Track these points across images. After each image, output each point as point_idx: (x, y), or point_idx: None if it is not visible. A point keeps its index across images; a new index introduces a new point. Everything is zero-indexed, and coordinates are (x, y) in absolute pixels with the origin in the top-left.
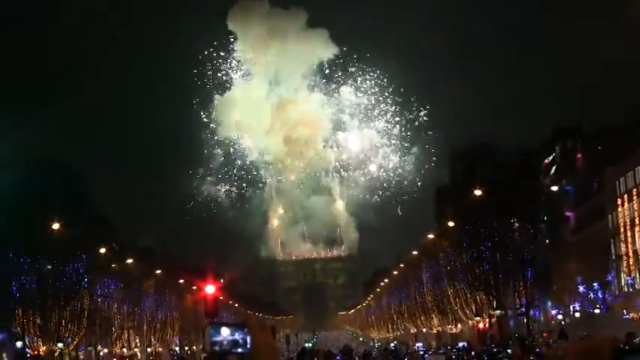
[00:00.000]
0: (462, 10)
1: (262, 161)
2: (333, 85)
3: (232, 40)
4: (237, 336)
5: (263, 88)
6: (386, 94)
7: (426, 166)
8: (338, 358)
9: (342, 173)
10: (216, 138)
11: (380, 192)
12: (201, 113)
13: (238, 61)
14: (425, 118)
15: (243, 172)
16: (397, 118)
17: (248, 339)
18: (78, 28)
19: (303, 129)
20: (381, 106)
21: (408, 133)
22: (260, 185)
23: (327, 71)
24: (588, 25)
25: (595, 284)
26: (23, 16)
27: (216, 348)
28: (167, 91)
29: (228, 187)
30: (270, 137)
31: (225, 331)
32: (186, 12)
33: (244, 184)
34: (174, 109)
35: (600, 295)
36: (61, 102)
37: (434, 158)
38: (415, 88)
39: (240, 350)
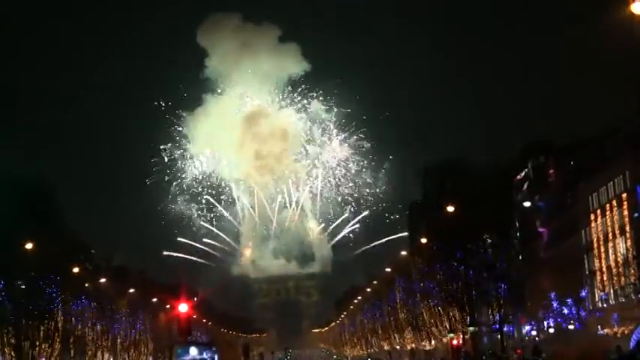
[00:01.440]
0: (433, 24)
1: (233, 177)
2: (304, 101)
3: (203, 55)
4: (205, 355)
5: (233, 103)
6: (357, 109)
7: (398, 182)
8: None
9: (314, 188)
10: (187, 155)
11: (352, 207)
12: (172, 129)
13: (207, 78)
14: (396, 134)
15: (213, 190)
16: (368, 134)
17: (215, 358)
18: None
19: (274, 144)
20: (352, 121)
21: (381, 148)
22: (230, 202)
23: (298, 86)
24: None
25: (569, 300)
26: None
27: None
28: (137, 108)
29: (198, 205)
30: (241, 153)
31: (193, 351)
32: (154, 27)
33: (215, 201)
34: (145, 125)
35: (574, 311)
36: (35, 120)
37: (406, 174)
38: (387, 104)
39: None
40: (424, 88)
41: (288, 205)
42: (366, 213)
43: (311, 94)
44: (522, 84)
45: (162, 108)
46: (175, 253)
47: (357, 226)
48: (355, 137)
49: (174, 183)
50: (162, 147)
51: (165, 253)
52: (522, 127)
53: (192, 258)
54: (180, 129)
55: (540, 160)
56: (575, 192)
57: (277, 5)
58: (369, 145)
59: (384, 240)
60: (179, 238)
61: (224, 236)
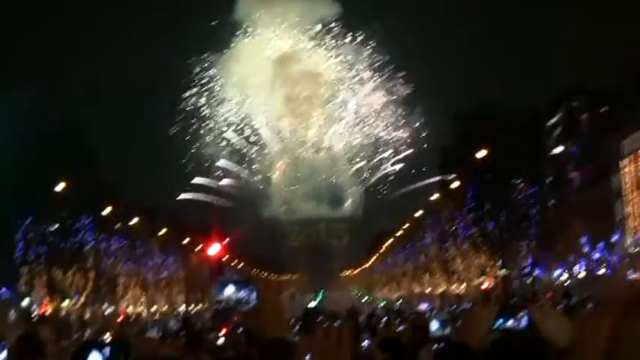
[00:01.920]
0: None
1: (264, 121)
2: (337, 44)
3: None
4: (243, 293)
5: (263, 45)
6: (390, 52)
7: (431, 127)
8: (339, 321)
9: (345, 131)
10: (216, 98)
11: (384, 151)
12: (201, 73)
13: (236, 20)
14: (429, 77)
15: (244, 133)
16: (402, 78)
17: (253, 296)
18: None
19: (305, 86)
20: (386, 66)
21: (415, 93)
22: (261, 144)
23: (330, 29)
24: None
25: (600, 245)
26: None
27: (222, 305)
28: (166, 48)
29: (229, 149)
30: (271, 96)
31: (230, 289)
32: None
33: (246, 144)
34: (173, 67)
35: (606, 255)
36: (66, 64)
37: (439, 118)
38: (419, 48)
39: (245, 308)
40: (460, 32)
41: (319, 147)
42: (399, 157)
43: (344, 37)
44: (559, 29)
45: (190, 50)
46: (199, 193)
47: (389, 169)
48: (389, 82)
49: (204, 127)
50: (189, 92)
51: (185, 196)
52: (556, 71)
53: (215, 200)
54: (209, 72)
55: (573, 105)
56: (607, 137)
57: None
58: (402, 89)
59: (416, 185)
60: (206, 180)
61: (255, 179)
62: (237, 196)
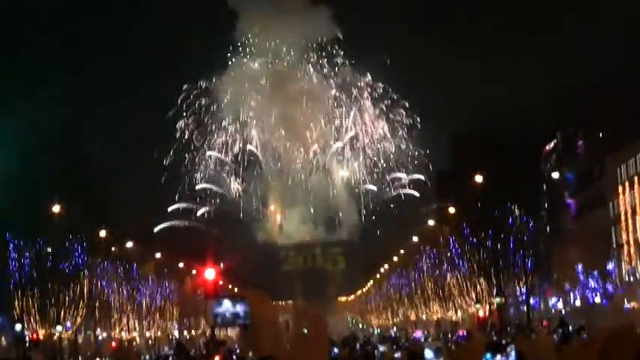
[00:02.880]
0: None
1: (260, 142)
2: (334, 66)
3: (231, 17)
4: (239, 308)
5: (261, 67)
6: (386, 75)
7: (427, 149)
8: (335, 350)
9: (342, 153)
10: (213, 118)
11: (380, 174)
12: (197, 93)
13: (234, 41)
14: (425, 101)
15: (240, 154)
16: (398, 100)
17: (249, 311)
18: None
19: (302, 108)
20: (381, 87)
21: (409, 115)
22: (258, 166)
23: (328, 51)
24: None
25: (595, 273)
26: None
27: (219, 320)
28: (163, 70)
29: (225, 171)
30: (268, 117)
31: (227, 303)
32: None
33: (242, 166)
34: (171, 89)
35: (600, 284)
36: (65, 83)
37: (435, 141)
38: (416, 71)
39: (240, 322)
40: (458, 55)
41: (315, 169)
42: (395, 181)
43: (341, 59)
44: (556, 56)
45: (187, 72)
46: (192, 218)
47: (386, 194)
48: (386, 106)
49: (199, 150)
50: (184, 114)
51: (178, 221)
52: (553, 98)
53: (218, 224)
54: (204, 92)
55: (570, 131)
56: (603, 164)
57: None
58: (400, 114)
59: (412, 211)
60: (203, 209)
61: (251, 201)
62: (231, 220)
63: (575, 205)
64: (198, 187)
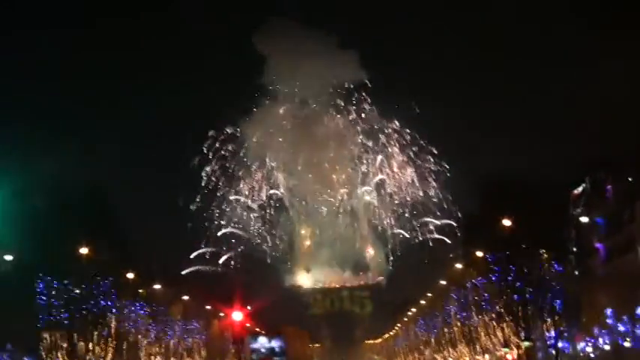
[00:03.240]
0: (495, 36)
1: (287, 185)
2: (361, 110)
3: (258, 60)
4: (274, 344)
5: (287, 110)
6: (414, 121)
7: (454, 194)
8: None
9: (369, 196)
10: (240, 162)
11: (408, 217)
12: (223, 139)
13: (261, 84)
14: (453, 147)
15: (267, 199)
16: (425, 146)
17: (284, 347)
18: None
19: (329, 151)
20: (408, 133)
21: (437, 161)
22: (284, 210)
23: (355, 95)
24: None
25: (625, 317)
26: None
27: (254, 356)
28: (191, 115)
29: (251, 214)
30: (294, 160)
31: (262, 339)
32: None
33: (269, 209)
34: (199, 133)
35: (630, 328)
36: (90, 129)
37: (462, 186)
38: (444, 116)
39: (277, 358)
40: (487, 100)
41: (342, 212)
42: (422, 224)
43: (368, 105)
44: (585, 99)
45: (215, 116)
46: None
47: (414, 237)
48: (412, 149)
49: (226, 194)
50: (213, 157)
51: (204, 265)
52: (582, 142)
53: (246, 267)
54: (232, 139)
55: (599, 175)
56: (632, 208)
57: (339, 10)
58: (426, 157)
59: (439, 252)
60: (229, 253)
61: (277, 245)
62: (258, 263)
63: (605, 250)
64: (224, 231)
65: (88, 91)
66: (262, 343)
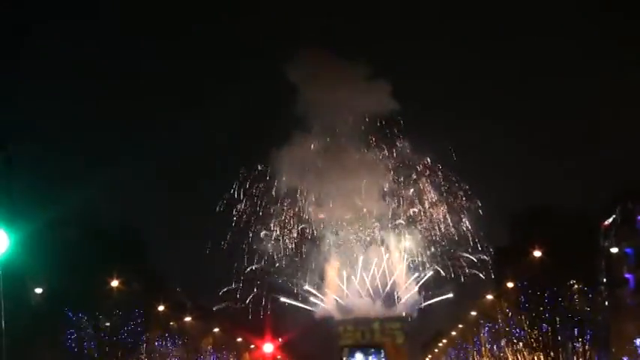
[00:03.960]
0: (523, 69)
1: (317, 217)
2: (392, 141)
3: (290, 91)
4: (372, 359)
5: (318, 141)
6: (446, 157)
7: (486, 229)
8: None
9: (398, 228)
10: (270, 192)
11: (438, 250)
12: (257, 168)
13: (294, 115)
14: (485, 179)
15: (298, 229)
16: (458, 182)
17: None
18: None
19: (359, 182)
20: (440, 170)
21: (468, 198)
22: (315, 240)
23: (387, 126)
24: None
25: None
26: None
27: None
28: (221, 147)
29: (282, 244)
30: (325, 190)
31: (359, 356)
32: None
33: (300, 243)
34: (228, 165)
35: None
36: (120, 162)
37: (494, 219)
38: (473, 146)
39: None
40: (516, 132)
41: (374, 243)
42: (454, 259)
43: (398, 134)
44: (614, 132)
45: (246, 146)
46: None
47: (445, 272)
48: (444, 187)
49: (257, 225)
50: (247, 187)
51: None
52: (612, 174)
53: (276, 297)
54: (263, 173)
55: (629, 206)
56: None
57: (371, 40)
58: (458, 194)
59: (470, 286)
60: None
61: (309, 276)
62: (290, 294)
63: (635, 280)
64: (255, 266)
65: (121, 121)
66: (360, 358)
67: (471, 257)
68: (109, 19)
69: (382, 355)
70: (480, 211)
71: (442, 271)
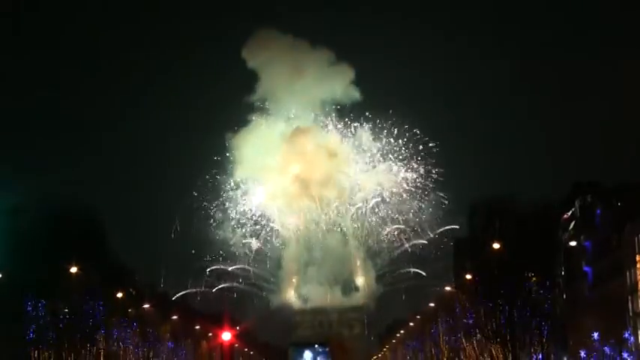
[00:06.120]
0: (484, 58)
1: (276, 201)
2: (352, 127)
3: (250, 75)
4: (319, 358)
5: (278, 125)
6: (403, 141)
7: (442, 218)
8: None
9: (359, 214)
10: (229, 179)
11: (396, 238)
12: (216, 152)
13: (253, 100)
14: (442, 170)
15: (256, 215)
16: (414, 165)
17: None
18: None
19: (319, 167)
20: (398, 152)
21: (425, 183)
22: (272, 226)
23: (346, 112)
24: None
25: (611, 341)
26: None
27: None
28: (182, 136)
29: (241, 231)
30: (284, 175)
31: (307, 355)
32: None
33: (257, 228)
34: (188, 150)
35: (617, 352)
36: (83, 148)
37: (452, 209)
38: (434, 138)
39: None
40: (477, 124)
41: (332, 229)
42: (412, 247)
43: (359, 121)
44: (575, 125)
45: (206, 131)
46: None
47: (403, 259)
48: (402, 168)
49: (217, 209)
50: (200, 178)
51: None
52: (571, 168)
53: (234, 287)
54: (224, 154)
55: (587, 200)
56: (621, 233)
57: (330, 27)
58: (415, 177)
59: (428, 274)
60: (217, 266)
61: (266, 263)
62: (247, 282)
63: (592, 274)
64: (214, 255)
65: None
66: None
67: (429, 244)
68: None
69: (327, 352)
70: (443, 201)
71: (401, 259)
